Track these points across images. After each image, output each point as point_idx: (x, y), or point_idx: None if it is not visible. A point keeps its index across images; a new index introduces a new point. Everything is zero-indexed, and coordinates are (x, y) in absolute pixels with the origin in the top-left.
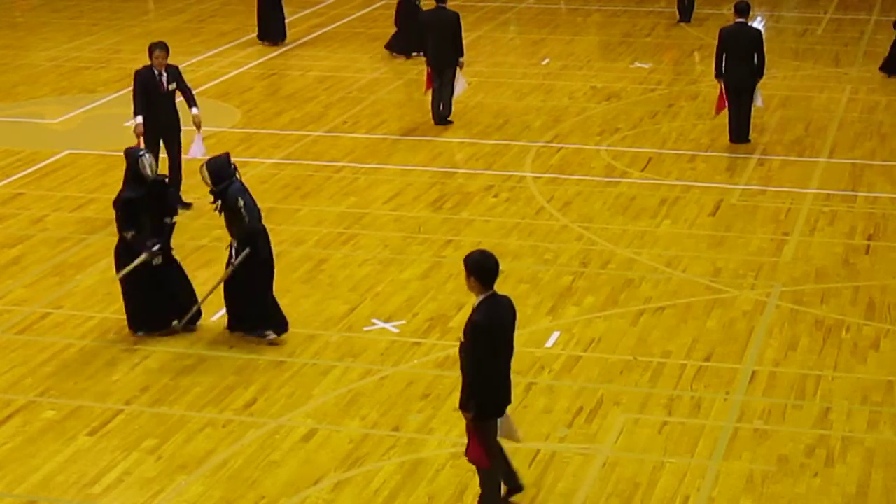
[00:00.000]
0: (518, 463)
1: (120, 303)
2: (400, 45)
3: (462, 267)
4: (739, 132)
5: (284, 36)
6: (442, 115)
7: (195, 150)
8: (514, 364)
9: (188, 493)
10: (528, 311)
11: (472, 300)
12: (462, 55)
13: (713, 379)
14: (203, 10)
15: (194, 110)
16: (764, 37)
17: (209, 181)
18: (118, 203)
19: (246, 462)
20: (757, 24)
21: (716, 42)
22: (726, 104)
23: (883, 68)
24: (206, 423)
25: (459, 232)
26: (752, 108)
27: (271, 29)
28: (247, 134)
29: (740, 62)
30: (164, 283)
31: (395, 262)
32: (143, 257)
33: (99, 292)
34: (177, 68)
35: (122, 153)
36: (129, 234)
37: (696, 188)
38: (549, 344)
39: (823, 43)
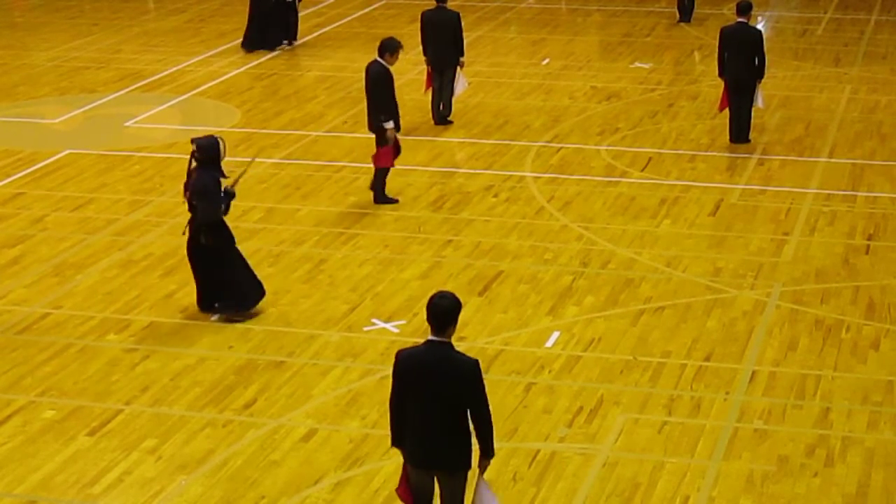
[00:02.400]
0: (518, 462)
1: (120, 302)
2: (256, 41)
3: (461, 267)
4: (739, 132)
5: (280, 42)
6: (442, 115)
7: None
8: (515, 364)
9: (188, 493)
10: (528, 311)
11: (472, 300)
12: (462, 55)
13: (713, 379)
14: (203, 10)
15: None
16: (764, 37)
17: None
18: None
19: (246, 462)
20: (759, 24)
21: (716, 42)
22: (728, 104)
23: None
24: (206, 423)
25: (459, 232)
26: (752, 108)
27: (259, 37)
28: (247, 134)
29: (740, 62)
30: None
31: (395, 262)
32: None
33: (99, 292)
34: None
35: (117, 153)
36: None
37: (696, 188)
38: (549, 344)
39: (823, 43)
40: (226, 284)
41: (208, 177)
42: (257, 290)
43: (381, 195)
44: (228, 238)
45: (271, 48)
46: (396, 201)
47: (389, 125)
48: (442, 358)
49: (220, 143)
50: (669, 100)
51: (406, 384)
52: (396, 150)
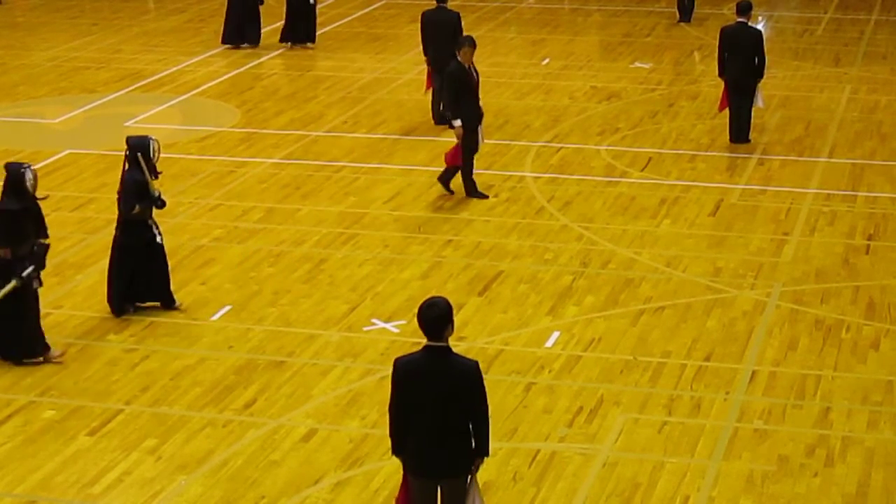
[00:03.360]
0: (518, 462)
1: None
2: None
3: (461, 267)
4: (739, 132)
5: (258, 40)
6: (442, 115)
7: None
8: (515, 364)
9: (188, 493)
10: (528, 311)
11: (472, 300)
12: None
13: (713, 379)
14: (203, 10)
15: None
16: (764, 37)
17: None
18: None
19: (246, 462)
20: (759, 24)
21: (716, 42)
22: (728, 104)
23: None
24: (206, 423)
25: (459, 232)
26: (753, 108)
27: (246, 31)
28: (247, 134)
29: (741, 62)
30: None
31: (395, 262)
32: (13, 284)
33: (99, 292)
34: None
35: (117, 153)
36: (3, 251)
37: (696, 188)
38: (549, 344)
39: (823, 43)
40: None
41: (129, 176)
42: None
43: (471, 190)
44: (140, 239)
45: (243, 44)
46: (486, 196)
47: (457, 123)
48: (442, 363)
49: (150, 144)
50: (669, 100)
51: (407, 392)
52: (473, 147)
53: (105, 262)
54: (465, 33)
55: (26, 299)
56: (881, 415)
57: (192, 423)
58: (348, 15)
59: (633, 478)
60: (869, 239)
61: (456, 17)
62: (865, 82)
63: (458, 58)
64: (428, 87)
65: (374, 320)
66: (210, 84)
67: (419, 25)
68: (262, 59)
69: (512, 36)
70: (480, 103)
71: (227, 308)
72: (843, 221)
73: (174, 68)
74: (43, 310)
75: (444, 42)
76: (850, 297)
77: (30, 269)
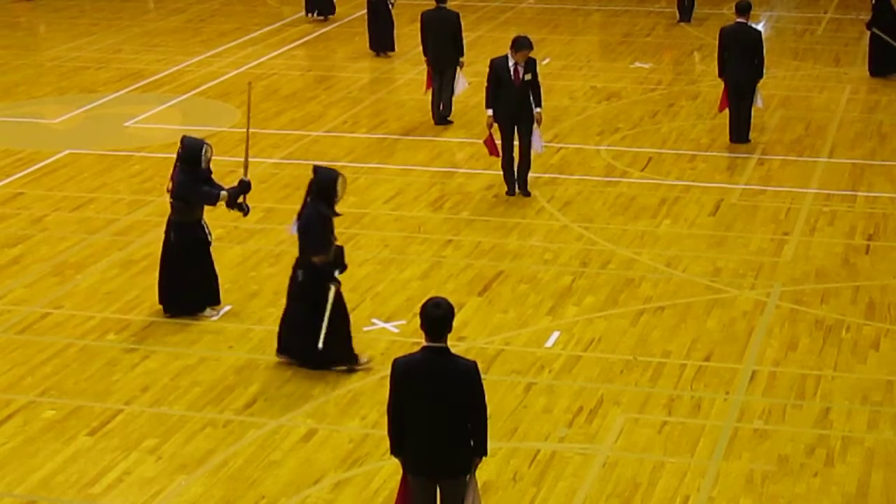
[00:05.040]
0: (518, 462)
1: (121, 302)
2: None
3: (461, 267)
4: (739, 132)
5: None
6: (442, 115)
7: (535, 144)
8: (515, 364)
9: (188, 493)
10: (528, 311)
11: (472, 300)
12: (462, 55)
13: (713, 379)
14: (203, 10)
15: (537, 109)
16: (764, 37)
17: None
18: (316, 221)
19: (246, 462)
20: (759, 24)
21: (716, 42)
22: (727, 104)
23: (872, 70)
24: (206, 423)
25: (459, 232)
26: (752, 108)
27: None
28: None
29: (740, 62)
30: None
31: (395, 262)
32: (333, 290)
33: (99, 292)
34: (534, 61)
35: (117, 153)
36: (318, 259)
37: (696, 188)
38: (549, 344)
39: (823, 43)
40: (189, 285)
41: (182, 176)
42: (212, 298)
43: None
44: (195, 240)
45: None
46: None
47: (488, 112)
48: (441, 364)
49: (205, 148)
50: (669, 100)
51: (406, 392)
52: (494, 144)
53: (105, 263)
54: (465, 33)
55: (340, 303)
56: (881, 415)
57: (192, 423)
58: (348, 15)
59: (633, 478)
60: (869, 239)
61: (456, 17)
62: (865, 82)
63: (510, 54)
64: (428, 87)
65: (374, 320)
66: (210, 84)
67: (419, 25)
68: (261, 59)
69: (512, 36)
70: (539, 108)
71: (227, 308)
72: (843, 221)
73: (174, 68)
74: (43, 310)
75: (444, 42)
76: (850, 297)
77: (337, 271)
